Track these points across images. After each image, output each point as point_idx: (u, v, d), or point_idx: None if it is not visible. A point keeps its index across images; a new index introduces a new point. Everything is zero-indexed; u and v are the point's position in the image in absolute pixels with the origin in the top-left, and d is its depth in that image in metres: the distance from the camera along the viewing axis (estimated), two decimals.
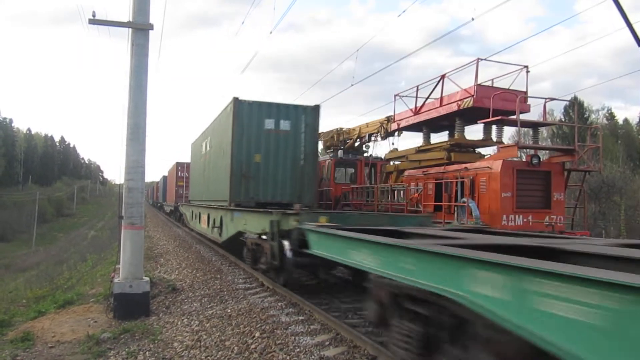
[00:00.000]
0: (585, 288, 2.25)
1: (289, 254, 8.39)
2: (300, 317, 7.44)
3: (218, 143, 14.51)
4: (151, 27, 8.85)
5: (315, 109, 12.79)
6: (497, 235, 5.56)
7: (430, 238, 4.75)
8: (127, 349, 6.58)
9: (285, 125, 12.41)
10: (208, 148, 16.59)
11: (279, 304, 8.38)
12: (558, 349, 2.33)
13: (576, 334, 2.27)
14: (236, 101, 12.26)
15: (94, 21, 8.87)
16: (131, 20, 8.82)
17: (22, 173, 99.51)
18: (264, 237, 9.73)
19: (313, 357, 5.70)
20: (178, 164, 30.61)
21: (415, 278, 3.59)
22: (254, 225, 10.36)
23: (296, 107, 12.74)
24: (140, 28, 8.78)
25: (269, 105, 12.56)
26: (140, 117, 8.81)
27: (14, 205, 75.46)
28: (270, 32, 16.86)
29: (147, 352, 6.42)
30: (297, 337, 6.41)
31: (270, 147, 12.38)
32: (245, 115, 12.23)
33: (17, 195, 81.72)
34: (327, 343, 6.17)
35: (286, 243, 8.44)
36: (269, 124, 12.33)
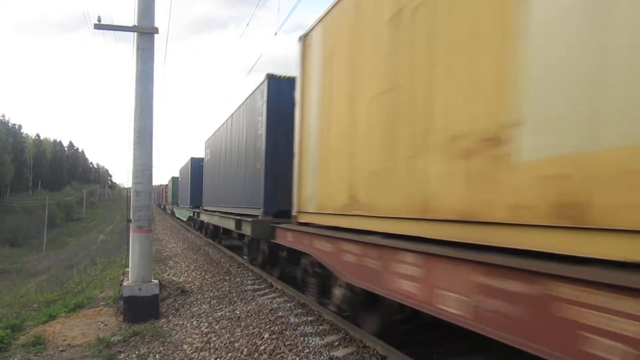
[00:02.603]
0: None
1: None
2: (310, 318, 7.43)
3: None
4: (156, 30, 8.88)
5: None
6: None
7: None
8: (137, 352, 6.60)
9: None
10: None
11: (288, 304, 8.39)
12: None
13: None
14: None
15: (99, 26, 8.92)
16: (136, 24, 8.85)
17: (31, 178, 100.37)
18: None
19: (322, 357, 5.69)
20: (165, 185, 51.58)
21: None
22: None
23: None
24: (145, 32, 8.82)
25: None
26: (147, 121, 8.84)
27: (24, 211, 76.17)
28: (275, 34, 16.91)
29: (157, 355, 6.44)
30: (306, 338, 6.40)
31: None
32: None
33: (27, 201, 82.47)
34: (336, 343, 6.16)
35: None
36: None
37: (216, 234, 19.13)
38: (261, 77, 9.57)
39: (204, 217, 19.08)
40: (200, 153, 22.53)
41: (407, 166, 4.60)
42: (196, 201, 22.69)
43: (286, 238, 8.22)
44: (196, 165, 23.47)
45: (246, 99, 12.35)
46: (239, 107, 13.27)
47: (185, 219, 27.74)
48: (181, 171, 30.00)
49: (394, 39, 4.95)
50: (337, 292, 6.34)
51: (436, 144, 4.19)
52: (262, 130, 10.35)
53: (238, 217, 11.59)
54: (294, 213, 7.89)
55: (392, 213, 4.83)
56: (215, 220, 16.40)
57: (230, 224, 12.73)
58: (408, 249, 4.37)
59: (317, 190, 6.97)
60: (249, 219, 10.20)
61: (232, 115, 14.26)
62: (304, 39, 7.68)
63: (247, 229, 10.43)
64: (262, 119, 10.35)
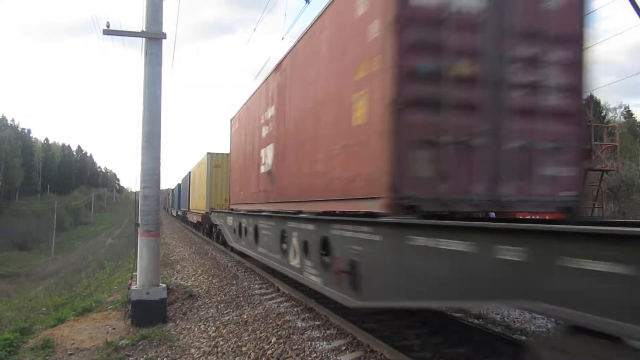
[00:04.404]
0: None
1: None
2: (317, 322, 7.42)
3: None
4: (164, 36, 8.95)
5: None
6: None
7: None
8: (145, 356, 6.62)
9: None
10: None
11: (295, 309, 8.38)
12: None
13: None
14: None
15: (108, 32, 9.00)
16: (144, 29, 8.92)
17: (40, 182, 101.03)
18: None
19: None
20: (168, 192, 64.29)
21: None
22: None
23: None
24: (153, 37, 8.88)
25: None
26: (155, 125, 8.89)
27: (33, 214, 76.65)
28: (282, 38, 17.09)
29: (165, 359, 6.46)
30: (313, 342, 6.39)
31: None
32: None
33: (36, 205, 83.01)
34: (343, 348, 6.15)
35: None
36: None
37: (183, 219, 41.21)
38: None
39: (179, 212, 42.99)
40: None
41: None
42: (180, 205, 41.55)
43: (187, 215, 32.87)
44: (179, 187, 43.14)
45: (185, 176, 34.77)
46: (183, 178, 37.19)
47: (175, 215, 52.62)
48: (176, 187, 49.32)
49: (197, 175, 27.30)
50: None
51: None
52: (187, 183, 31.95)
53: (182, 211, 36.88)
54: (190, 209, 30.18)
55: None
56: (180, 213, 40.93)
57: (180, 213, 41.43)
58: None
59: (191, 202, 29.15)
60: (182, 211, 37.88)
61: (182, 178, 37.15)
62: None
63: (182, 214, 38.64)
64: (187, 180, 32.51)
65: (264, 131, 9.87)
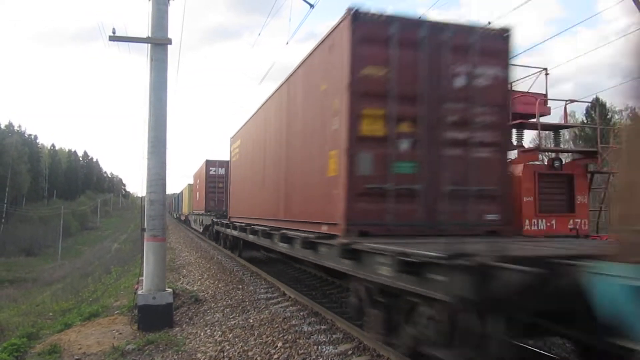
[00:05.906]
0: None
1: None
2: (323, 327, 7.41)
3: None
4: (169, 42, 9.00)
5: None
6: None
7: None
8: None
9: None
10: None
11: (301, 313, 8.38)
12: None
13: None
14: None
15: (114, 38, 9.07)
16: (150, 35, 8.98)
17: (47, 188, 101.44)
18: None
19: None
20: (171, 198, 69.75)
21: None
22: None
23: None
24: (158, 43, 8.94)
25: None
26: (161, 131, 8.94)
27: (40, 220, 76.94)
28: (287, 43, 17.47)
29: None
30: (319, 347, 6.38)
31: None
32: None
33: (42, 210, 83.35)
34: (349, 352, 6.14)
35: None
36: None
37: (178, 218, 57.73)
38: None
39: (178, 215, 56.62)
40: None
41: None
42: (179, 210, 53.68)
43: (180, 216, 52.97)
44: (178, 196, 55.21)
45: (181, 190, 52.83)
46: (180, 191, 54.19)
47: (175, 217, 62.74)
48: (177, 196, 59.58)
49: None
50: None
51: None
52: (182, 196, 49.12)
53: (179, 213, 52.83)
54: (182, 213, 49.01)
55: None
56: (178, 215, 56.64)
57: (178, 215, 57.52)
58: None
59: (183, 208, 46.47)
60: (179, 214, 54.23)
61: (180, 191, 53.83)
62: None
63: (179, 216, 56.06)
64: (182, 193, 49.23)
65: (197, 186, 31.22)
